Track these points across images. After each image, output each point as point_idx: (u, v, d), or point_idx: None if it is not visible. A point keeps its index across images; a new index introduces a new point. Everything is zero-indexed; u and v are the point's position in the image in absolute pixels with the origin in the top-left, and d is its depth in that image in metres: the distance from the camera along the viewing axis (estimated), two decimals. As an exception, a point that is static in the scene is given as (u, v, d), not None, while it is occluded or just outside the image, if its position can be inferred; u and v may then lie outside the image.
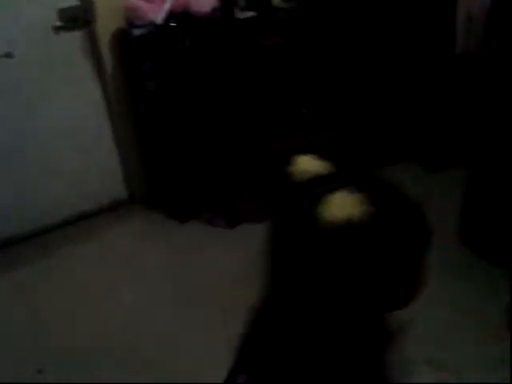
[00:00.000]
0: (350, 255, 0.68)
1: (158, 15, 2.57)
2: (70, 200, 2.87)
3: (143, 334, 2.07)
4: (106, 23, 2.66)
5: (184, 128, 2.70)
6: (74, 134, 2.80)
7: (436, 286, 2.06)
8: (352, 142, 2.99)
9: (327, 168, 0.78)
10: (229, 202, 2.84)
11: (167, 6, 2.59)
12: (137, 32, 2.52)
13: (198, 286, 2.30)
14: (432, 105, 2.94)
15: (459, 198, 2.35)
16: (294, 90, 2.92)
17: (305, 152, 0.80)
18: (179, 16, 2.59)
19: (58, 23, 2.59)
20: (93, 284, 2.40)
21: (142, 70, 2.55)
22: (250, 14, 2.79)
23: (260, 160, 2.89)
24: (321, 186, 0.72)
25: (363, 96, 2.96)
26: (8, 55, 2.52)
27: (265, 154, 2.85)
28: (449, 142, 2.94)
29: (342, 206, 0.67)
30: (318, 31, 2.81)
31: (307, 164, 0.78)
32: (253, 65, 2.73)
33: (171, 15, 2.59)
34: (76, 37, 2.67)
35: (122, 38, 2.66)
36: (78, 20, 2.63)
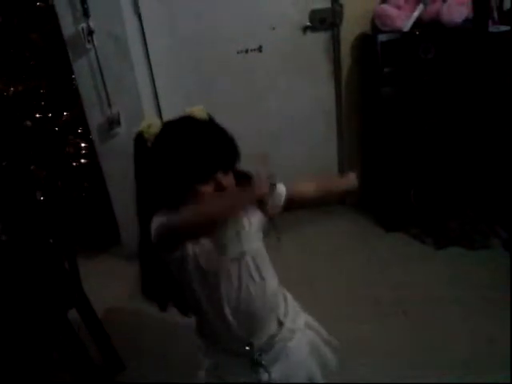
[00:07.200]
0: None
1: (406, 22, 2.56)
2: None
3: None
4: (351, 27, 2.74)
5: (411, 140, 2.64)
6: (299, 127, 2.96)
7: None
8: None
9: None
10: (440, 222, 2.72)
11: (416, 14, 2.56)
12: (382, 37, 2.53)
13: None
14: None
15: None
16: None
17: None
18: (427, 25, 2.54)
19: (307, 23, 2.76)
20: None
21: (380, 76, 2.56)
22: (504, 28, 2.61)
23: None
24: None
25: None
26: (259, 49, 2.78)
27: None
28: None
29: None
30: None
31: None
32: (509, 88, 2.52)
33: (418, 23, 2.55)
34: (321, 37, 2.80)
35: (365, 43, 2.71)
36: (325, 22, 2.76)
